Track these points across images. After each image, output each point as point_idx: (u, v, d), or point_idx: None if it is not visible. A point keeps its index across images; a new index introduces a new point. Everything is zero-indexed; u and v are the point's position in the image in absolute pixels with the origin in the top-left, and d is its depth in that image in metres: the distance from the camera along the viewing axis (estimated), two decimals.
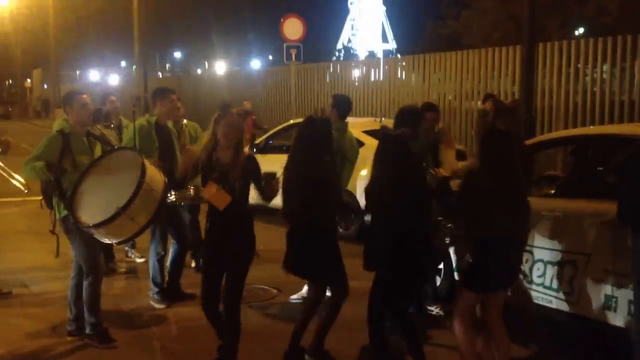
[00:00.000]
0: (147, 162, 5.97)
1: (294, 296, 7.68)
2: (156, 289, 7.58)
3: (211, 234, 5.57)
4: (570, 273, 5.99)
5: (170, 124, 7.86)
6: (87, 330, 6.39)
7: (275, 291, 8.03)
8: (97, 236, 5.93)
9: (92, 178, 6.02)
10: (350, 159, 7.57)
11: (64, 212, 6.12)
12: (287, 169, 5.84)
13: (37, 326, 6.93)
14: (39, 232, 10.75)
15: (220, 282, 5.60)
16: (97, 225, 5.70)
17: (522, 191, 5.42)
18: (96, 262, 6.31)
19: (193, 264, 8.81)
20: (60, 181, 6.09)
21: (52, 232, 6.27)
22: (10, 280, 8.33)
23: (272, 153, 12.07)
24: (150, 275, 7.64)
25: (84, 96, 6.37)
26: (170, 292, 7.68)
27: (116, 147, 6.74)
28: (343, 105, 7.64)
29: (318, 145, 5.79)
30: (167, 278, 7.72)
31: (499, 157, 5.26)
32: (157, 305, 7.51)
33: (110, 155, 6.26)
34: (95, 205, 5.82)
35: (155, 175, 5.98)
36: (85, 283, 6.31)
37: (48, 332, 6.79)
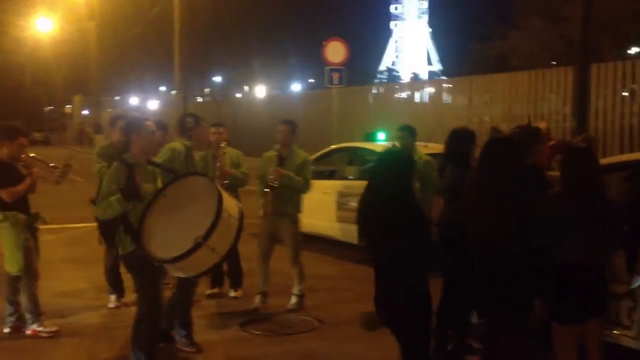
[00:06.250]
0: (220, 188, 5.65)
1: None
2: None
3: None
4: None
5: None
6: None
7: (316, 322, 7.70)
8: (173, 271, 5.57)
9: (161, 208, 5.62)
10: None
11: (130, 248, 5.70)
12: None
13: (73, 357, 6.74)
14: (78, 260, 10.57)
15: None
16: (176, 259, 5.27)
17: (602, 213, 4.90)
18: (158, 301, 5.86)
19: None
20: (126, 215, 5.68)
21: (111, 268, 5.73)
22: (48, 310, 7.99)
23: (315, 178, 11.51)
24: None
25: (150, 123, 6.02)
26: None
27: (182, 173, 6.25)
28: None
29: None
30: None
31: (575, 177, 4.92)
32: None
33: (177, 183, 5.80)
34: (169, 238, 5.42)
35: (229, 201, 5.58)
36: (144, 320, 5.87)
37: None
